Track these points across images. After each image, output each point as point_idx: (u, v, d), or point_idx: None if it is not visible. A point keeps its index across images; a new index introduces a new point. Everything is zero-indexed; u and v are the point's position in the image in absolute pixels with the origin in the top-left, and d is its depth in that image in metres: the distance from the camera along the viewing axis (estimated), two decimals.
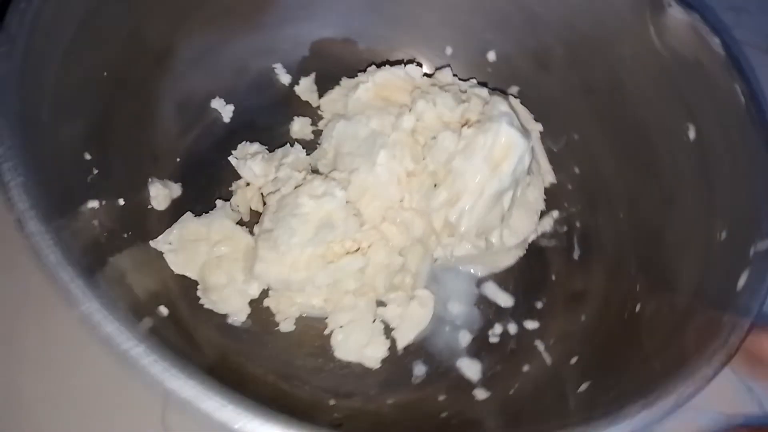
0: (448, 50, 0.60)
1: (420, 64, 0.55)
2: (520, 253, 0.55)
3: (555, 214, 0.57)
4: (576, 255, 0.55)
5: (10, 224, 0.37)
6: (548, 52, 0.57)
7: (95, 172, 0.41)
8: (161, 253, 0.47)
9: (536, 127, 0.57)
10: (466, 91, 0.52)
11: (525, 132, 0.47)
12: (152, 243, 0.47)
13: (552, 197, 0.57)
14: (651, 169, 0.51)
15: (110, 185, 0.43)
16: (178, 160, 0.52)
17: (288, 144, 0.53)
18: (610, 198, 0.55)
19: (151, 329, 0.37)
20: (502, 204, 0.47)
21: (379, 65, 0.55)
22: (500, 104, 0.47)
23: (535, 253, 0.56)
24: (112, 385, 0.43)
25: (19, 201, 0.29)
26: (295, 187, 0.49)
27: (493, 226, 0.48)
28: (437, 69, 0.57)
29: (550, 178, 0.58)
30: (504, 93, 0.58)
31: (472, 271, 0.54)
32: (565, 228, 0.57)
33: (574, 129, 0.57)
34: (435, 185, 0.48)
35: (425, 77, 0.54)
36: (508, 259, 0.54)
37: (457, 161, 0.46)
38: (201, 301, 0.47)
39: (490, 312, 0.53)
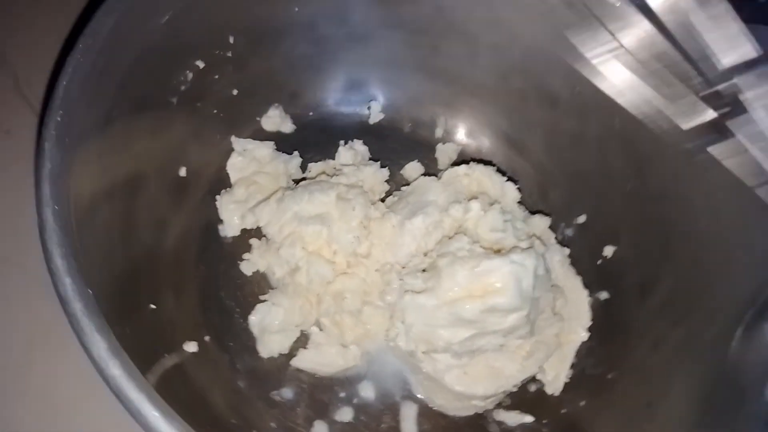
0: (581, 218, 0.57)
1: (520, 190, 0.54)
2: (461, 411, 0.50)
3: (528, 419, 0.50)
4: None
5: (29, 256, 0.47)
6: (654, 286, 0.50)
7: (228, 54, 0.51)
8: (228, 150, 0.55)
9: (582, 334, 0.51)
10: (531, 237, 0.49)
11: (525, 298, 0.43)
12: (234, 137, 0.56)
13: (541, 404, 0.51)
14: None
15: (236, 74, 0.53)
16: (310, 113, 0.60)
17: (380, 163, 0.57)
18: None
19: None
20: (454, 333, 0.44)
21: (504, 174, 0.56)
22: (528, 258, 0.44)
23: (477, 428, 0.50)
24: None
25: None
26: (345, 186, 0.53)
27: (436, 345, 0.45)
28: (541, 212, 0.55)
29: (555, 386, 0.51)
30: (593, 296, 0.54)
31: (413, 381, 0.51)
32: None
33: (616, 368, 0.50)
34: (423, 270, 0.47)
35: (519, 206, 0.53)
36: (447, 406, 0.50)
37: (445, 261, 0.44)
38: (216, 197, 0.54)
39: (385, 421, 0.49)
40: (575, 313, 0.52)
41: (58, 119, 0.33)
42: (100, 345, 0.28)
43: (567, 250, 0.54)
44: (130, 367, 0.28)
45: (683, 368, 0.44)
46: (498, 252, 0.45)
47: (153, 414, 0.28)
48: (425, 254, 0.50)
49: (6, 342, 0.48)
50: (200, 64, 0.49)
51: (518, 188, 0.54)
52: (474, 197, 0.51)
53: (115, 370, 0.28)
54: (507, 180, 0.53)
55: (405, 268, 0.50)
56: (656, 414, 0.43)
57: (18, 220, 0.51)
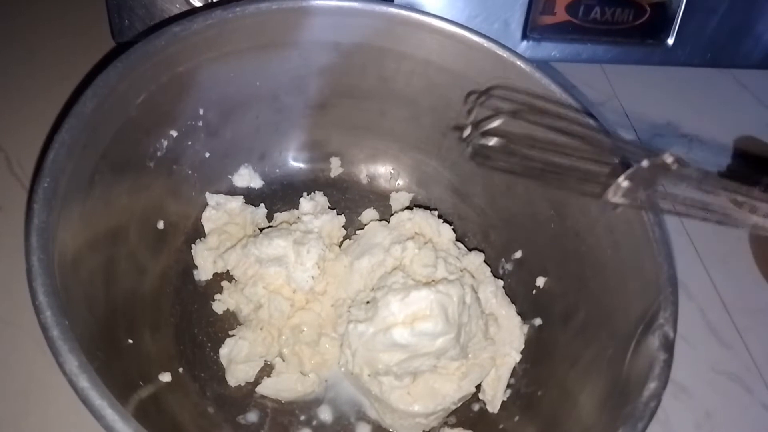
0: (518, 254, 0.64)
1: (455, 230, 0.61)
2: (409, 429, 0.56)
3: None
4: None
5: (23, 318, 0.54)
6: (574, 313, 0.57)
7: (199, 123, 0.59)
8: (203, 204, 0.63)
9: (514, 357, 0.57)
10: (462, 271, 0.56)
11: (451, 323, 0.50)
12: (208, 194, 0.64)
13: (482, 422, 0.57)
14: None
15: (208, 140, 0.61)
16: (277, 170, 0.69)
17: (336, 211, 0.65)
18: None
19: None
20: (391, 356, 0.51)
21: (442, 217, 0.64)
22: (452, 288, 0.51)
23: None
24: None
25: None
26: (302, 232, 0.60)
27: (377, 368, 0.52)
28: (475, 249, 0.62)
29: (494, 404, 0.57)
30: (529, 323, 0.60)
31: (366, 404, 0.57)
32: None
33: (544, 386, 0.56)
34: (367, 302, 0.54)
35: (456, 244, 0.60)
36: (396, 425, 0.56)
37: (381, 293, 0.52)
38: (192, 246, 0.62)
39: None
40: (508, 338, 0.58)
41: (45, 185, 0.41)
42: (72, 363, 0.35)
43: (501, 282, 0.61)
44: (96, 380, 0.35)
45: (590, 381, 0.50)
46: (428, 284, 0.52)
47: (114, 417, 0.35)
48: (372, 289, 0.57)
49: (2, 394, 0.54)
50: (174, 133, 0.57)
51: (454, 229, 0.61)
52: (413, 238, 0.59)
53: (84, 383, 0.35)
54: (443, 222, 0.61)
55: (354, 302, 0.57)
56: (570, 422, 0.49)
57: (12, 286, 0.59)
